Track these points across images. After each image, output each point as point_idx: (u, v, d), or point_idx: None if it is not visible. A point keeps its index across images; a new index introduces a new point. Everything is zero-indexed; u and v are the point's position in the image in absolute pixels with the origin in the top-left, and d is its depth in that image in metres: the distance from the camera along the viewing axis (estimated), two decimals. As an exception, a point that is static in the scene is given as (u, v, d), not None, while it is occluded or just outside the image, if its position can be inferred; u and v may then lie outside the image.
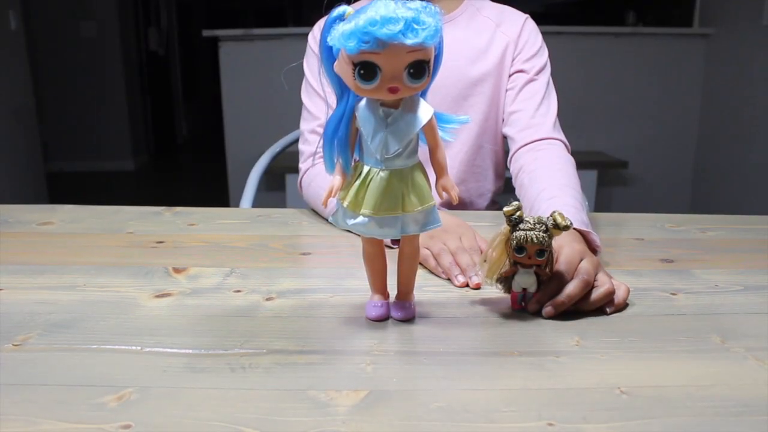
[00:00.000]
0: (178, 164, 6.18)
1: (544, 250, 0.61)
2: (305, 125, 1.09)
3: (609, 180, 3.38)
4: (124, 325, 0.62)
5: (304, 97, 1.10)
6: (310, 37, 1.12)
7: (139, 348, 0.57)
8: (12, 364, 0.54)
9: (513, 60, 1.11)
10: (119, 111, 5.17)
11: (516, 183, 1.00)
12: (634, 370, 0.54)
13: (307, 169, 1.05)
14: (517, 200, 0.64)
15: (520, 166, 1.00)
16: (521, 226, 0.61)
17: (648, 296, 0.70)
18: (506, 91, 1.10)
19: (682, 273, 0.77)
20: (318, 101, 1.06)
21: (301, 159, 1.08)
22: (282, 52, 3.04)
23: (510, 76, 1.11)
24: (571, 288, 0.64)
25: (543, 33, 1.16)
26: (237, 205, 1.23)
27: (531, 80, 1.08)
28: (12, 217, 0.99)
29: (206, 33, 3.15)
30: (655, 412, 0.47)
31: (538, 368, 0.54)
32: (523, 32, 1.10)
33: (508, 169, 1.06)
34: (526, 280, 0.64)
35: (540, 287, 0.64)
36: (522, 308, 0.66)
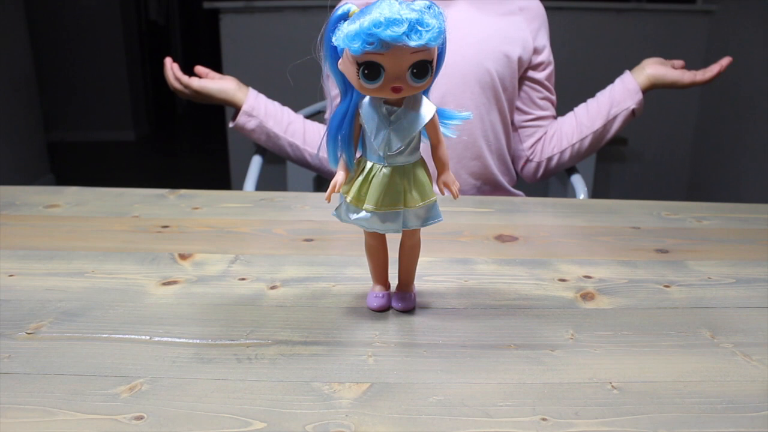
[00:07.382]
0: (178, 134, 6.17)
1: None
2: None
3: (608, 156, 3.39)
4: (133, 313, 0.64)
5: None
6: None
7: (148, 337, 0.59)
8: (27, 353, 0.56)
9: (527, 69, 1.18)
10: (119, 81, 5.15)
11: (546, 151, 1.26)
12: (626, 365, 0.56)
13: None
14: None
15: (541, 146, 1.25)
16: None
17: (642, 288, 0.72)
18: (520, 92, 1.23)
19: (676, 264, 0.79)
20: None
21: None
22: (283, 24, 3.03)
23: (522, 81, 1.20)
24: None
25: (545, 8, 1.19)
26: (238, 176, 1.25)
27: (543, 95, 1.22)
28: (19, 200, 1.00)
29: (207, 5, 3.13)
30: (645, 408, 0.49)
31: (534, 362, 0.56)
32: (539, 35, 1.17)
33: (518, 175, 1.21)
34: None
35: None
36: None
